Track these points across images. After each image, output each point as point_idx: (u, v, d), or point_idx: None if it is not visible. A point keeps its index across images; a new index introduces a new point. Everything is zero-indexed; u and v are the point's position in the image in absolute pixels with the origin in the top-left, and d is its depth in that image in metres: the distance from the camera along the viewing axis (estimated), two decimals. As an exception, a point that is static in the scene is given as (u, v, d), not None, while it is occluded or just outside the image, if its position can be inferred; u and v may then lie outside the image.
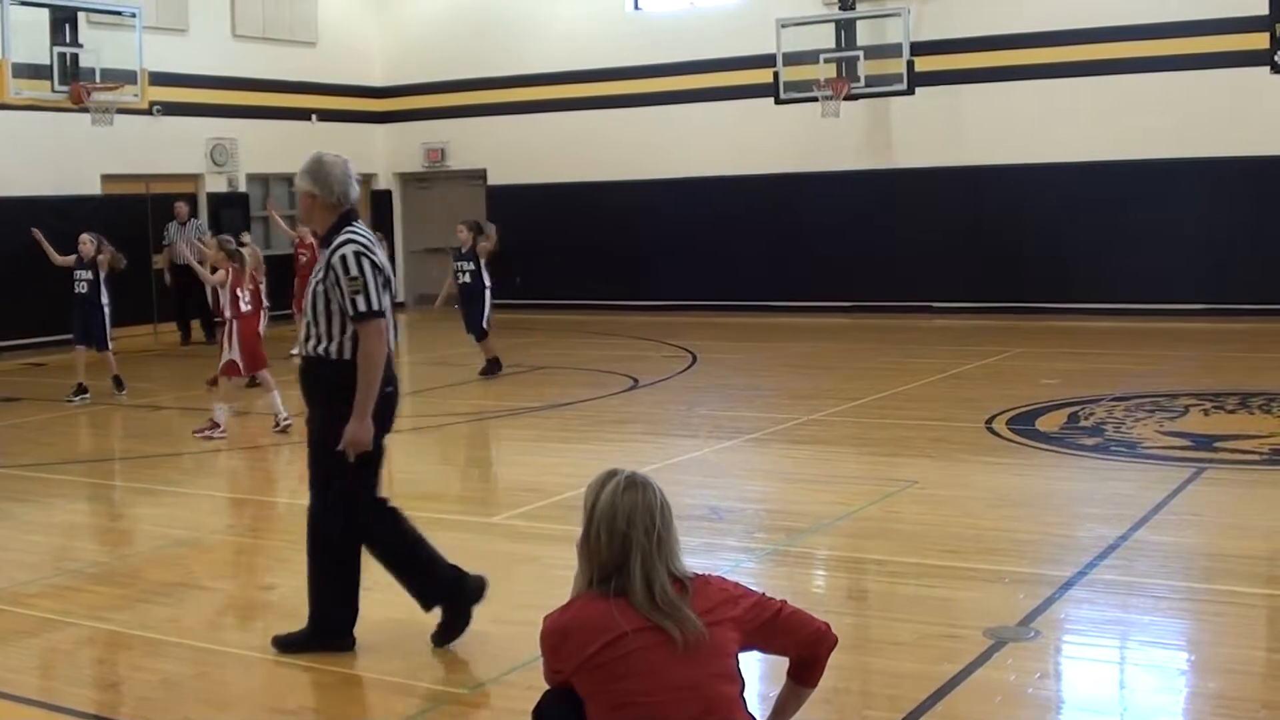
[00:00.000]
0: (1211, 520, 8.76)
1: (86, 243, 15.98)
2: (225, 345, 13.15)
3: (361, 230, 6.34)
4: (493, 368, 16.34)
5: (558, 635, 3.95)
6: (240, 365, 13.01)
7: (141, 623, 7.07)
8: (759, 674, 5.36)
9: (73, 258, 15.86)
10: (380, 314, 6.15)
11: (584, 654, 3.86)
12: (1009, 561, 7.82)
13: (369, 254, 6.20)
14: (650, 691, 3.82)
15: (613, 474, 4.00)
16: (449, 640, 6.45)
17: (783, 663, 4.29)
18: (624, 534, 3.87)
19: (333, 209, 6.33)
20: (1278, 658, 6.34)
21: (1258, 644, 6.50)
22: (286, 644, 6.41)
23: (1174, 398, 13.25)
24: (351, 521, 6.36)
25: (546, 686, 4.14)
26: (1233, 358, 16.68)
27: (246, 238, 18.30)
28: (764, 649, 4.16)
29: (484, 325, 16.32)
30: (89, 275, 15.78)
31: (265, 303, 14.55)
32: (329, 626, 6.40)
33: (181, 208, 22.21)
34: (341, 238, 6.24)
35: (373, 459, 6.30)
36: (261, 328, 13.75)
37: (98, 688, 6.24)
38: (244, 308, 13.08)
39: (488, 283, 16.45)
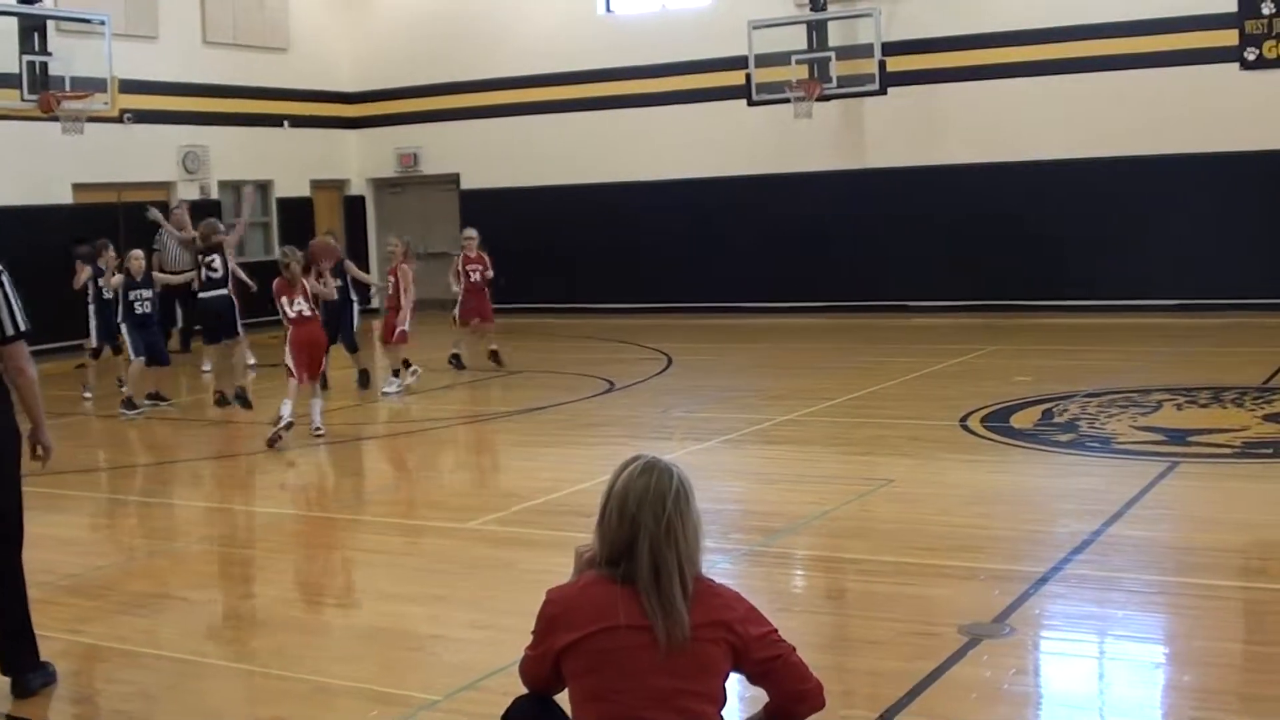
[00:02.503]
0: (1185, 514, 8.80)
1: (139, 259, 15.15)
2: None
3: None
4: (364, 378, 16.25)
5: (561, 606, 3.92)
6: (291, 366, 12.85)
7: (118, 634, 7.03)
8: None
9: (119, 279, 14.98)
10: None
11: (578, 633, 3.84)
12: (984, 558, 7.85)
13: None
14: (625, 692, 3.79)
15: (636, 458, 3.99)
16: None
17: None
18: (633, 516, 3.84)
19: None
20: (1253, 650, 6.37)
21: (1233, 637, 6.52)
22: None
23: (1147, 393, 13.30)
24: None
25: (521, 691, 4.13)
26: (1205, 352, 16.75)
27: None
28: (749, 679, 4.07)
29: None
30: (149, 294, 15.15)
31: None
32: None
33: (178, 215, 22.02)
34: None
35: None
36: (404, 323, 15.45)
37: (74, 701, 6.20)
38: (292, 314, 12.95)
39: (353, 296, 16.54)
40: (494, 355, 17.25)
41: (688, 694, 3.81)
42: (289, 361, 12.77)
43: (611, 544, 3.90)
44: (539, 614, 3.98)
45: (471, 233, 17.69)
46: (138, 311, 15.03)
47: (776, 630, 4.02)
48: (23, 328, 6.04)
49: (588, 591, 3.91)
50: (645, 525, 3.84)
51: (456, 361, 17.37)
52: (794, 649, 4.04)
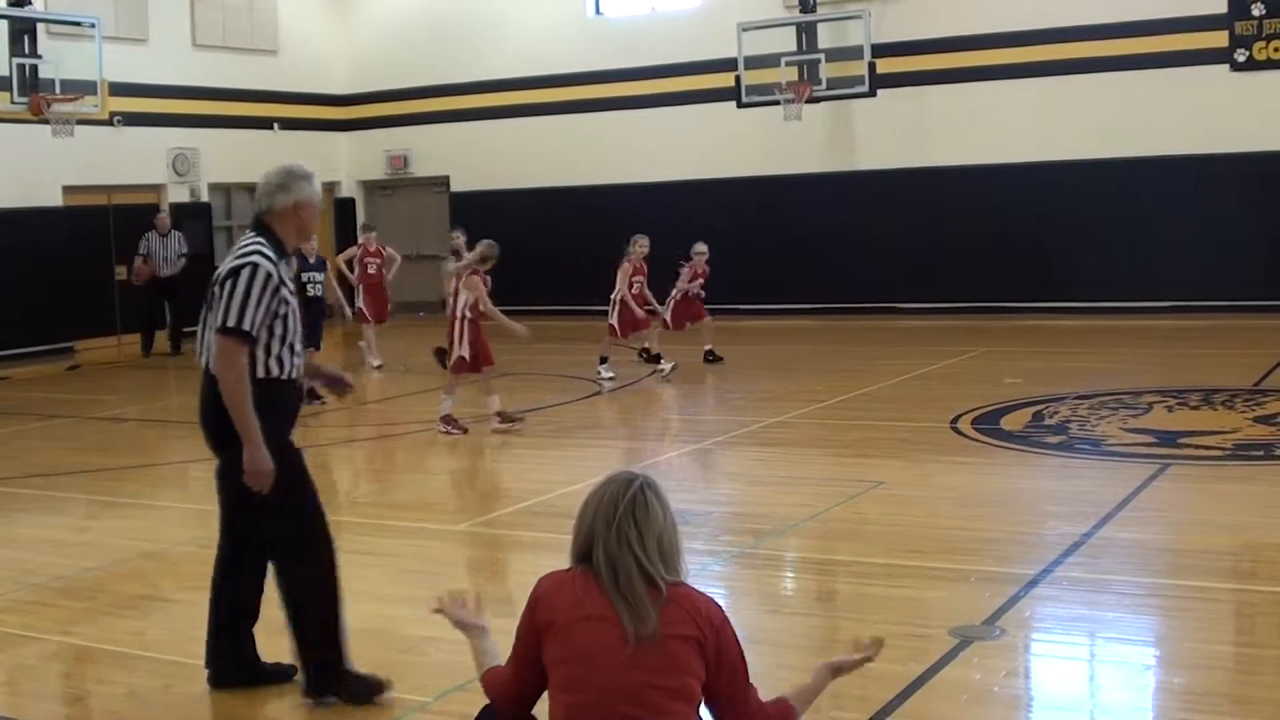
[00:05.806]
0: (1176, 516, 8.80)
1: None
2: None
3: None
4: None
5: (546, 587, 4.02)
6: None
7: (107, 636, 7.03)
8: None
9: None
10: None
11: (557, 618, 3.92)
12: (975, 561, 7.85)
13: None
14: (591, 684, 3.84)
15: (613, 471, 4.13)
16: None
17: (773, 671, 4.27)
18: (589, 523, 3.98)
19: None
20: (1244, 652, 6.38)
21: (1224, 639, 6.53)
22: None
23: (1138, 395, 13.31)
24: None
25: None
26: (1196, 354, 16.77)
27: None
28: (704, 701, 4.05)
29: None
30: (321, 276, 16.02)
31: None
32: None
33: (163, 219, 22.06)
34: None
35: None
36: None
37: (64, 702, 6.20)
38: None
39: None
40: (709, 353, 18.00)
41: (658, 689, 3.83)
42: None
43: (578, 549, 4.03)
44: (530, 595, 4.06)
45: (702, 248, 18.52)
46: (309, 295, 15.54)
47: (749, 674, 4.06)
48: (228, 324, 5.70)
49: (576, 578, 3.98)
50: (598, 531, 3.96)
51: (654, 357, 17.79)
52: (755, 706, 4.07)
